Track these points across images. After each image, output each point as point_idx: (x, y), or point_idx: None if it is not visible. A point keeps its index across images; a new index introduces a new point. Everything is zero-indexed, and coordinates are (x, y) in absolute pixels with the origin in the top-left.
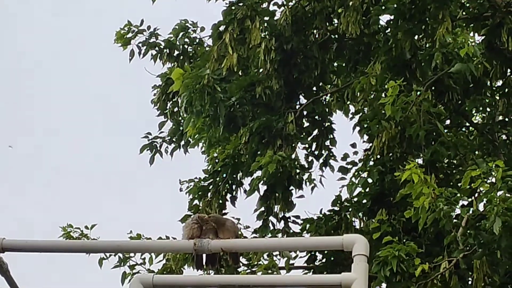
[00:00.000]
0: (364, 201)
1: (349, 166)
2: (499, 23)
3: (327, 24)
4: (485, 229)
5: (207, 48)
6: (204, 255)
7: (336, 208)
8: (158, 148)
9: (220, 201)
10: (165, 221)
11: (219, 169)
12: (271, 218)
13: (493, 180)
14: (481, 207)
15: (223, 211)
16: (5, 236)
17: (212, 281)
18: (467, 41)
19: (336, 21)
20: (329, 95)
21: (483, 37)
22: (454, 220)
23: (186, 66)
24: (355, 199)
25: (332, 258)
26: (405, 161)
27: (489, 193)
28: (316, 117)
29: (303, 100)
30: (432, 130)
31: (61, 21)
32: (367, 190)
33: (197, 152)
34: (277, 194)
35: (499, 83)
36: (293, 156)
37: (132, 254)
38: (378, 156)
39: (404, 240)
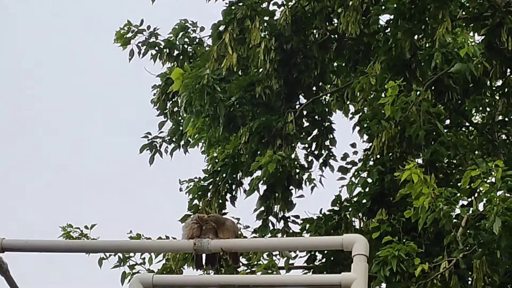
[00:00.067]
0: (364, 201)
1: (349, 166)
2: (499, 23)
3: (327, 24)
4: (485, 229)
5: (206, 48)
6: (204, 255)
7: (336, 208)
8: (158, 148)
9: (220, 201)
10: (165, 221)
11: (219, 169)
12: (271, 218)
13: (493, 180)
14: (481, 207)
15: (223, 211)
16: (5, 236)
17: (212, 281)
18: (467, 41)
19: (336, 21)
20: (329, 95)
21: (483, 37)
22: (454, 220)
23: (185, 66)
24: (355, 199)
25: (332, 258)
26: (405, 161)
27: (489, 193)
28: (316, 117)
29: (303, 100)
30: (432, 130)
31: (61, 21)
32: (367, 190)
33: (197, 152)
34: (276, 194)
35: (499, 83)
36: (292, 156)
37: (132, 254)
38: (378, 156)
39: (404, 240)
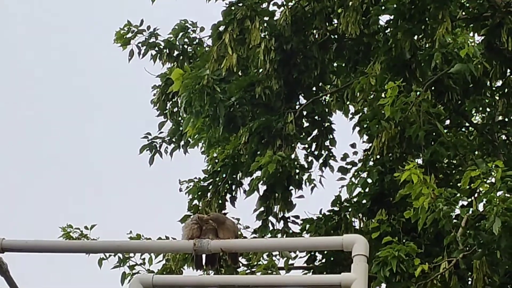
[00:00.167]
0: (364, 201)
1: (349, 166)
2: (498, 23)
3: (327, 24)
4: (484, 229)
5: (206, 48)
6: (203, 255)
7: (336, 208)
8: (158, 148)
9: (220, 201)
10: (165, 222)
11: (219, 169)
12: (270, 218)
13: (493, 180)
14: (480, 207)
15: (223, 211)
16: (5, 236)
17: (212, 281)
18: (467, 41)
19: (335, 21)
20: (328, 95)
21: (482, 37)
22: (454, 220)
23: (185, 66)
24: (355, 199)
25: (331, 258)
26: (404, 161)
27: (489, 193)
28: (316, 117)
29: (302, 100)
30: (432, 130)
31: (61, 21)
32: (367, 190)
33: (196, 152)
34: (276, 194)
35: (499, 83)
36: (292, 156)
37: (131, 254)
38: (378, 156)
39: (404, 240)
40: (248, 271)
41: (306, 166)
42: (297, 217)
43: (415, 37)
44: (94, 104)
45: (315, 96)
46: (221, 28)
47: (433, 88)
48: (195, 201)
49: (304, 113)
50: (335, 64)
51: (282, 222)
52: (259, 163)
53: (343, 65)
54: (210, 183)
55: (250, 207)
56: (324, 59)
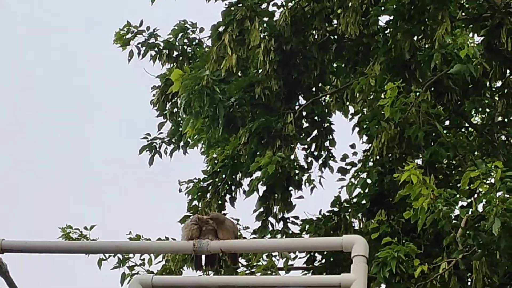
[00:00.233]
0: (364, 201)
1: (349, 167)
2: (498, 23)
3: (327, 24)
4: (484, 230)
5: (206, 49)
6: (203, 256)
7: (336, 209)
8: (158, 149)
9: (219, 202)
10: (165, 222)
11: (218, 169)
12: (270, 218)
13: (492, 181)
14: (480, 207)
15: (222, 212)
16: (4, 237)
17: (212, 282)
18: (467, 42)
19: (335, 21)
20: (328, 95)
21: (482, 38)
22: (453, 221)
23: (185, 67)
24: (355, 200)
25: (331, 259)
26: (404, 162)
27: (488, 194)
28: (316, 117)
29: (302, 101)
30: (431, 131)
31: (61, 21)
32: (367, 190)
33: (196, 153)
34: (276, 195)
35: (499, 83)
36: (292, 156)
37: (131, 255)
38: (377, 157)
39: (403, 241)
40: (248, 271)
41: (305, 166)
42: (296, 217)
43: (415, 38)
44: (94, 104)
45: (314, 97)
46: (221, 29)
47: (432, 88)
48: (195, 202)
49: (304, 113)
50: (334, 65)
51: (281, 222)
52: (258, 164)
53: (343, 65)
54: (210, 184)
55: (249, 208)
56: (323, 60)
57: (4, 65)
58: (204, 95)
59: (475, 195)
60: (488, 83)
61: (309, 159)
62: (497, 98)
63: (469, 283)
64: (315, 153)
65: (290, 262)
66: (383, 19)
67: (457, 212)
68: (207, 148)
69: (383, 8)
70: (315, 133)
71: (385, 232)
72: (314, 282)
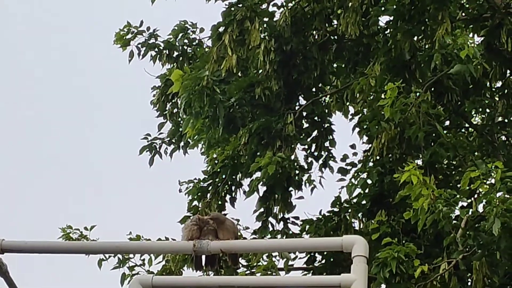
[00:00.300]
0: (364, 202)
1: (349, 167)
2: (498, 24)
3: (327, 25)
4: (484, 230)
5: (206, 49)
6: (203, 256)
7: (336, 209)
8: (158, 149)
9: (220, 202)
10: (165, 222)
11: (219, 170)
12: (270, 219)
13: (493, 181)
14: (480, 208)
15: (223, 212)
16: (4, 237)
17: (212, 282)
18: (467, 42)
19: (335, 22)
20: (328, 96)
21: (482, 38)
22: (454, 221)
23: (185, 67)
24: (355, 200)
25: (331, 259)
26: (404, 162)
27: (489, 194)
28: (316, 118)
29: (302, 101)
30: (432, 131)
31: (61, 21)
32: (367, 191)
33: (196, 153)
34: (276, 195)
35: (499, 84)
36: (292, 157)
37: (131, 255)
38: (378, 157)
39: (404, 241)
40: (248, 272)
41: (306, 167)
42: (297, 218)
43: (415, 38)
44: (94, 104)
45: (314, 97)
46: (221, 29)
47: (432, 89)
48: (195, 202)
49: (304, 114)
50: (334, 65)
51: (282, 223)
52: (258, 164)
53: (343, 66)
54: (210, 184)
55: (249, 208)
56: (323, 60)
57: (4, 65)
58: (204, 95)
59: (475, 196)
60: (488, 84)
61: (309, 159)
62: (497, 99)
63: (469, 283)
64: (315, 154)
65: (290, 263)
66: (383, 20)
67: (457, 212)
68: (207, 149)
69: (383, 9)
70: (315, 133)
71: (385, 233)
72: (314, 282)
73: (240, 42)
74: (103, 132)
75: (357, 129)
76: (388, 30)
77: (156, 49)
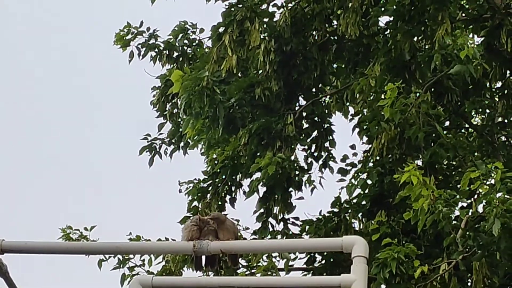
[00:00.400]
0: (364, 202)
1: (349, 168)
2: (498, 24)
3: (327, 25)
4: (484, 231)
5: (206, 50)
6: (203, 257)
7: (336, 210)
8: (158, 150)
9: (219, 203)
10: (165, 223)
11: (219, 170)
12: (270, 219)
13: (492, 181)
14: (480, 208)
15: (223, 213)
16: (4, 237)
17: (212, 283)
18: (467, 43)
19: (335, 22)
20: (328, 96)
21: (482, 39)
22: (453, 222)
23: (185, 67)
24: (355, 201)
25: (331, 260)
26: (404, 162)
27: (488, 195)
28: (316, 118)
29: (302, 102)
30: (431, 131)
31: (61, 21)
32: (367, 191)
33: (196, 154)
34: (276, 196)
35: (499, 84)
36: (292, 157)
37: (131, 256)
38: (378, 158)
39: (404, 242)
40: (248, 272)
41: (305, 167)
42: (296, 218)
43: (415, 39)
44: (94, 104)
45: (314, 98)
46: (221, 29)
47: (432, 89)
48: (195, 202)
49: (304, 114)
50: (334, 66)
51: (282, 223)
52: (258, 165)
53: (343, 66)
54: (210, 185)
55: (249, 209)
56: (323, 61)
57: (4, 65)
58: (204, 95)
59: (475, 196)
60: (488, 84)
61: (309, 160)
62: (497, 99)
63: (469, 284)
64: (315, 154)
65: (290, 263)
66: (383, 20)
67: (457, 213)
68: (207, 149)
69: (383, 9)
70: (315, 134)
71: (385, 233)
72: (314, 282)
73: (240, 43)
74: (103, 132)
75: (357, 130)
76: (388, 30)
77: (156, 50)
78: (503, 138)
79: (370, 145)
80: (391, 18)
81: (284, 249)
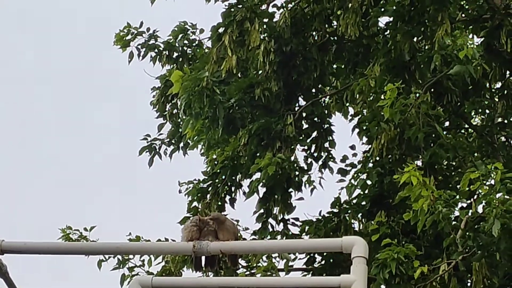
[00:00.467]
0: (363, 203)
1: (348, 168)
2: (498, 25)
3: (326, 26)
4: (484, 231)
5: (206, 50)
6: (203, 257)
7: (335, 210)
8: (157, 150)
9: (219, 203)
10: (164, 223)
11: (218, 171)
12: (270, 220)
13: (492, 182)
14: (480, 209)
15: (222, 213)
16: (4, 237)
17: (211, 283)
18: (466, 43)
19: (335, 23)
20: (328, 97)
21: (482, 39)
22: (453, 222)
23: (185, 68)
24: (354, 201)
25: (331, 260)
26: (404, 163)
27: (488, 195)
28: (315, 119)
29: (302, 102)
30: (431, 132)
31: (61, 21)
32: (366, 192)
33: (196, 154)
34: (276, 196)
35: (498, 85)
36: (292, 158)
37: (131, 256)
38: (377, 158)
39: (403, 242)
40: (248, 273)
41: (305, 168)
42: (296, 219)
43: (415, 39)
44: (94, 104)
45: (314, 98)
46: (221, 30)
47: (432, 90)
48: (195, 203)
49: (304, 114)
50: (334, 66)
51: (281, 224)
52: (258, 165)
53: (343, 66)
54: (210, 185)
55: (249, 209)
56: (323, 61)
57: (5, 64)
58: (204, 96)
59: (475, 197)
60: (488, 84)
61: (309, 160)
62: (497, 99)
63: (469, 284)
64: (315, 154)
65: (290, 263)
66: (383, 20)
67: (457, 213)
68: (207, 149)
69: (383, 10)
70: (315, 134)
71: (385, 234)
72: (314, 283)
73: (240, 43)
74: (103, 132)
75: (356, 130)
76: (388, 31)
77: (156, 50)
78: (503, 139)
79: (369, 146)
80: (391, 19)
81: (284, 249)
